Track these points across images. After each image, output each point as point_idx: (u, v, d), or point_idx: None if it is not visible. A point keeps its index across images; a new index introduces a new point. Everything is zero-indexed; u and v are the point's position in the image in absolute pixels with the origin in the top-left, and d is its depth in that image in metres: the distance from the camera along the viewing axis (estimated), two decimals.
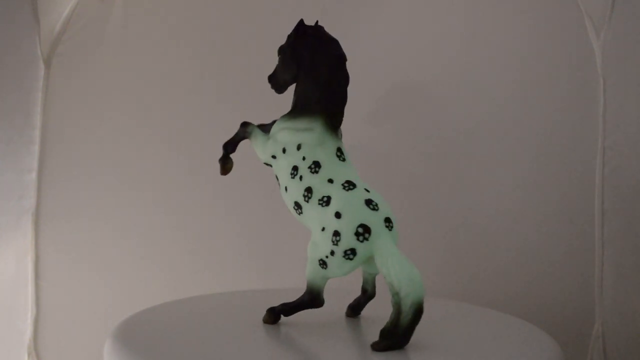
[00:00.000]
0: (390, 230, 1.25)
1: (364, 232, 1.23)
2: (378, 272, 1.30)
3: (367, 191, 1.30)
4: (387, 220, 1.26)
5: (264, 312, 1.39)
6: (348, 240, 1.24)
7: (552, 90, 2.00)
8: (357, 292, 1.48)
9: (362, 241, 1.23)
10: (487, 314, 1.58)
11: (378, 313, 1.33)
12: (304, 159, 1.35)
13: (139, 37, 2.20)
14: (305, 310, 1.36)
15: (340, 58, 1.40)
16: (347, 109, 1.44)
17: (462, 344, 1.27)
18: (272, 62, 1.58)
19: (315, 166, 1.33)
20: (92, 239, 2.17)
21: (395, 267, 1.18)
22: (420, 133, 2.10)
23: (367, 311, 1.47)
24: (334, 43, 1.42)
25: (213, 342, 1.25)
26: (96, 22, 2.19)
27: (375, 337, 1.19)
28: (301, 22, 1.43)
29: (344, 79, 1.39)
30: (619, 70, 1.91)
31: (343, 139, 1.43)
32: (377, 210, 1.26)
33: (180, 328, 1.35)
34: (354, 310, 1.46)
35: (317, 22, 1.45)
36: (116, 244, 2.17)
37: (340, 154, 1.36)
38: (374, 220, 1.24)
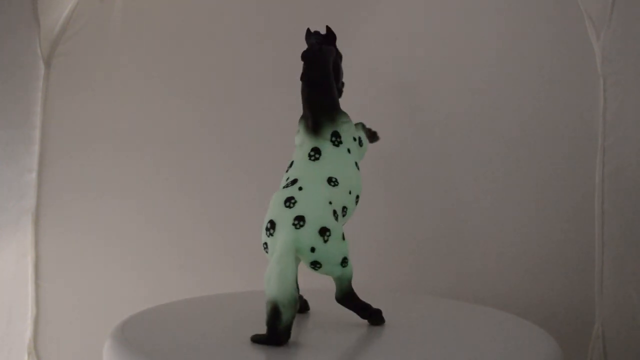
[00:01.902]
0: (297, 228, 1.23)
1: (270, 227, 1.26)
2: (331, 274, 1.29)
3: (300, 189, 1.28)
4: (298, 219, 1.23)
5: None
6: (262, 234, 1.28)
7: (552, 90, 2.00)
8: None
9: (268, 236, 1.26)
10: (487, 312, 1.58)
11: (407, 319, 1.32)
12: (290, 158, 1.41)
13: (139, 37, 2.20)
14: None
15: (304, 61, 1.41)
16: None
17: (461, 343, 1.27)
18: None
19: (290, 165, 1.38)
20: (92, 239, 2.17)
21: (269, 264, 1.20)
22: (419, 133, 2.10)
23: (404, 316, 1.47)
24: (309, 47, 1.44)
25: (214, 342, 1.25)
26: (96, 22, 2.19)
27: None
28: (307, 31, 1.46)
29: (306, 81, 1.40)
30: (619, 70, 1.91)
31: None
32: (291, 208, 1.25)
33: (180, 328, 1.35)
34: (362, 316, 1.38)
35: (327, 27, 1.46)
36: (116, 244, 2.17)
37: (313, 153, 1.35)
38: (283, 217, 1.25)
